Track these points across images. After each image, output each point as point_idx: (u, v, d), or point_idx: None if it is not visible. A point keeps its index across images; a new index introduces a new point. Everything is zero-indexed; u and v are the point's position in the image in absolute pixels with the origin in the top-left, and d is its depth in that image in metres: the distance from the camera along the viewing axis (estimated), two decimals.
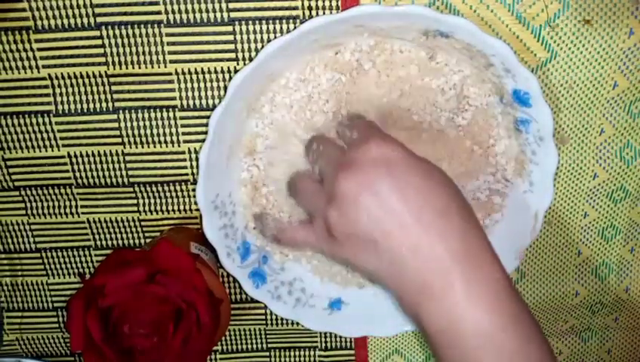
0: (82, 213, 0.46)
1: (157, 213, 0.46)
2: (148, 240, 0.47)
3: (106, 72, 0.41)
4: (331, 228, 0.34)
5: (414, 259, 0.31)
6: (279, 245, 0.43)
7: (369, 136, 0.34)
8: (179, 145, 0.44)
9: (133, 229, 0.47)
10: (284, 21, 0.39)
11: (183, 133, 0.43)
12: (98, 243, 0.47)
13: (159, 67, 0.41)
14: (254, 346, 0.52)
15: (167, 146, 0.44)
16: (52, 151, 0.44)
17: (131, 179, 0.45)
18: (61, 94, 0.42)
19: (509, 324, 0.30)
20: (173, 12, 0.39)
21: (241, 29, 0.40)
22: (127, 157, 0.44)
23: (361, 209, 0.32)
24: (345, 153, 0.35)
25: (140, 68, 0.41)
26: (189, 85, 0.41)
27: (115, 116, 0.42)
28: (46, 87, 0.41)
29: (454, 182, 0.35)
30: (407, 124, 0.41)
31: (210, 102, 0.42)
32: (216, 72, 0.41)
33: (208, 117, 0.39)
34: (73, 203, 0.46)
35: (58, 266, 0.48)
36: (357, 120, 0.39)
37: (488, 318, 0.30)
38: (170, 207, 0.46)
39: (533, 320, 0.32)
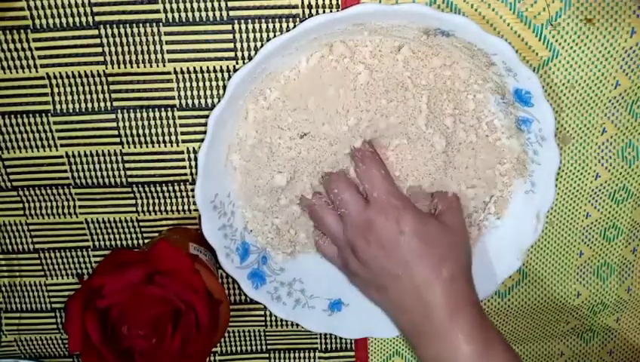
0: (80, 214, 0.46)
1: (155, 214, 0.46)
2: (146, 241, 0.47)
3: (104, 71, 0.41)
4: (356, 246, 0.41)
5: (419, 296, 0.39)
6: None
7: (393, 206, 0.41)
8: (177, 145, 0.43)
9: (132, 230, 0.47)
10: (283, 20, 0.39)
11: (182, 133, 0.43)
12: (96, 243, 0.47)
13: (158, 66, 0.41)
14: (253, 348, 0.52)
15: (165, 146, 0.43)
16: (50, 151, 0.43)
17: (130, 179, 0.45)
18: (59, 94, 0.42)
19: (483, 351, 0.38)
20: (172, 11, 0.39)
21: (240, 27, 0.39)
22: (126, 157, 0.44)
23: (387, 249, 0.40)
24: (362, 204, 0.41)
25: (138, 67, 0.41)
26: (187, 84, 0.41)
27: (113, 116, 0.42)
28: (44, 86, 0.41)
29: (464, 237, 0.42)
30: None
31: (209, 101, 0.42)
32: (215, 71, 0.41)
33: (207, 116, 0.39)
34: (71, 203, 0.45)
35: (56, 267, 0.48)
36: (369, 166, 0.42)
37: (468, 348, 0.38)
38: (168, 208, 0.46)
39: (503, 344, 0.39)
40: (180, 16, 0.39)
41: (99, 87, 0.41)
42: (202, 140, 0.39)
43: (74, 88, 0.41)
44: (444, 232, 0.40)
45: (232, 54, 0.40)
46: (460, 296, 0.39)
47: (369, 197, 0.41)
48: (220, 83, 0.41)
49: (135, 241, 0.47)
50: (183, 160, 0.44)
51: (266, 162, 0.42)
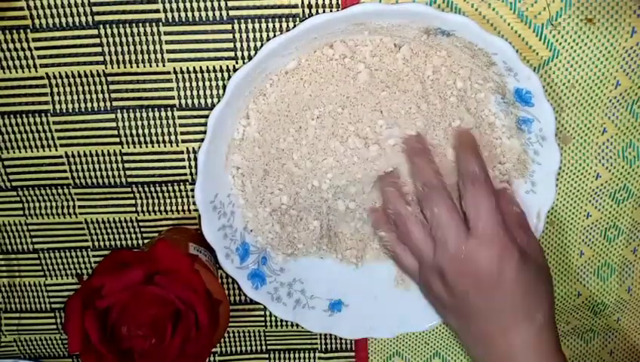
0: (80, 214, 0.46)
1: (155, 214, 0.46)
2: (146, 241, 0.47)
3: (104, 70, 0.41)
4: (446, 273, 0.39)
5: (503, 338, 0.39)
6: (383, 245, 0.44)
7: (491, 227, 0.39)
8: (177, 145, 0.43)
9: (132, 230, 0.46)
10: (283, 19, 0.39)
11: (182, 133, 0.43)
12: (96, 243, 0.47)
13: (157, 66, 0.40)
14: (253, 348, 0.52)
15: (165, 146, 0.43)
16: (49, 151, 0.43)
17: (129, 179, 0.44)
18: (59, 93, 0.41)
19: None
20: (172, 10, 0.39)
21: (240, 27, 0.39)
22: (125, 157, 0.44)
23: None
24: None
25: (138, 67, 0.41)
26: (187, 84, 0.41)
27: (112, 115, 0.42)
28: (43, 86, 0.41)
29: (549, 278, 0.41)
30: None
31: (209, 101, 0.42)
32: (215, 70, 0.41)
33: (207, 116, 0.39)
34: (71, 203, 0.45)
35: (56, 267, 0.48)
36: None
37: None
38: (168, 208, 0.46)
39: None
40: (179, 15, 0.39)
41: (98, 87, 0.41)
42: (202, 140, 0.39)
43: (73, 88, 0.41)
44: (540, 277, 0.40)
45: (231, 54, 0.40)
46: (549, 343, 0.39)
47: (471, 225, 0.38)
48: (220, 83, 0.41)
49: (135, 241, 0.47)
50: (182, 160, 0.44)
51: (267, 162, 0.42)
